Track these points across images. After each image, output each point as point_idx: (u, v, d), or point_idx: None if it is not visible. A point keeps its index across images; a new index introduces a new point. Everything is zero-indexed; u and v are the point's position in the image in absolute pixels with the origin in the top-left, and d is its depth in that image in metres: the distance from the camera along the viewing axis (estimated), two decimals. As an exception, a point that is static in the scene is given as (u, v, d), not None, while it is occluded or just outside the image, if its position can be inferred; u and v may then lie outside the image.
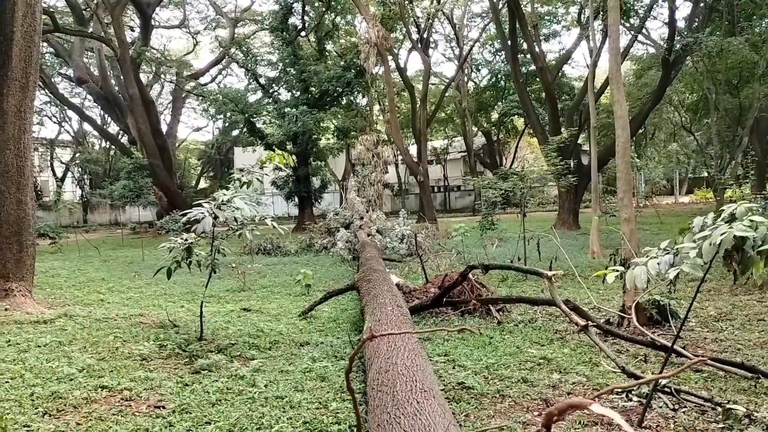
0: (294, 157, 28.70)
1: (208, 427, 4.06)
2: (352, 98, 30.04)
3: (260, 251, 17.24)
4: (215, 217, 6.08)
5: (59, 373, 5.17)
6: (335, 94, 28.19)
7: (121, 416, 4.27)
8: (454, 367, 5.45)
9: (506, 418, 4.23)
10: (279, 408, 4.40)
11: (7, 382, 4.95)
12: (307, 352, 6.10)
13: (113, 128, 39.51)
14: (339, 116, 31.37)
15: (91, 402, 4.55)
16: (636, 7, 20.63)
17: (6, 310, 7.85)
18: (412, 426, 3.06)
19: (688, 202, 37.76)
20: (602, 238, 14.12)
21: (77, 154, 44.75)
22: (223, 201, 6.15)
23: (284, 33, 27.98)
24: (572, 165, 19.99)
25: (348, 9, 29.24)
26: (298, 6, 28.37)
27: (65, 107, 37.84)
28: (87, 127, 42.93)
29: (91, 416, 4.26)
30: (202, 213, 6.00)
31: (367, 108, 30.51)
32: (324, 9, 29.08)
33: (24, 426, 4.03)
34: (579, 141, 24.97)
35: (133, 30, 33.21)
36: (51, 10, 23.91)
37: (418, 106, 28.52)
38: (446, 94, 38.21)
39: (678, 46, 19.12)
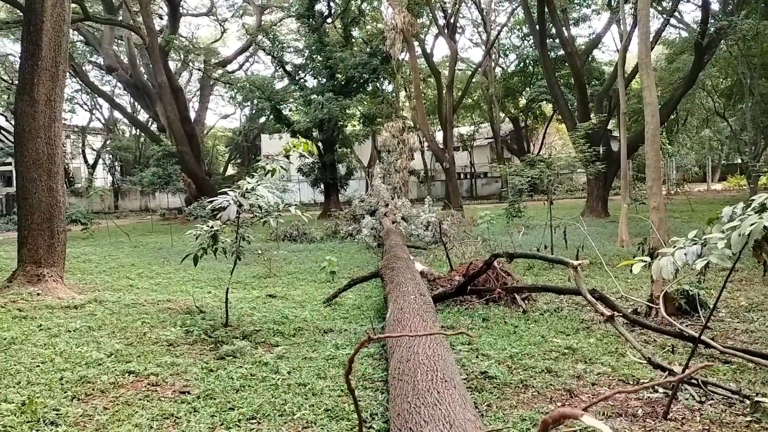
0: (319, 144, 28.84)
1: (231, 413, 4.11)
2: (377, 85, 30.00)
3: (286, 238, 17.35)
4: (240, 205, 6.12)
5: (88, 357, 5.29)
6: (361, 81, 28.14)
7: (147, 401, 4.35)
8: (477, 356, 5.43)
9: (529, 408, 4.20)
10: (301, 395, 4.44)
11: (37, 366, 5.08)
12: (330, 339, 6.13)
13: (143, 116, 40.04)
14: (365, 103, 31.29)
15: (118, 387, 4.64)
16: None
17: (38, 295, 8.04)
18: (432, 416, 3.06)
19: (721, 189, 36.95)
20: (631, 226, 13.90)
21: (108, 142, 45.47)
22: (247, 189, 6.18)
23: (310, 20, 27.96)
24: (601, 152, 19.68)
25: (374, -6, 29.11)
26: (324, -8, 28.33)
27: (96, 95, 38.41)
28: (117, 114, 43.59)
29: (118, 401, 4.35)
30: (227, 201, 6.05)
31: (393, 94, 30.43)
32: (350, -5, 28.98)
33: (53, 409, 4.13)
34: (609, 127, 24.57)
35: (161, 18, 33.51)
36: (81, -2, 24.19)
37: (444, 92, 28.29)
38: (473, 80, 37.86)
39: (712, 29, 18.61)
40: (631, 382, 4.72)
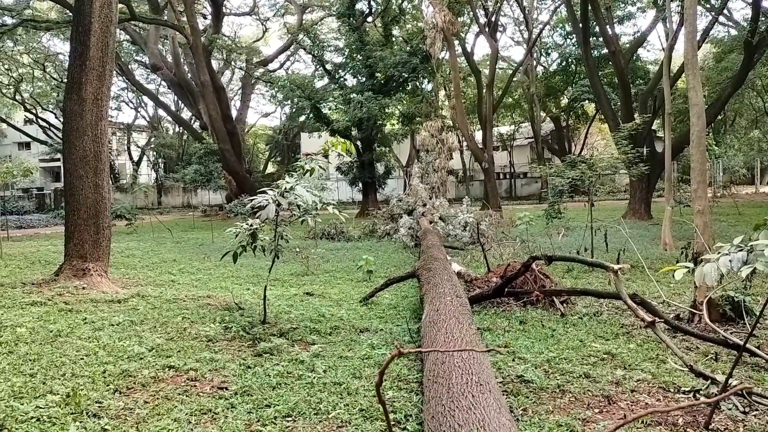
0: (358, 143, 28.96)
1: (267, 410, 4.16)
2: (417, 84, 29.95)
3: (324, 236, 17.48)
4: (278, 204, 6.19)
5: (130, 351, 5.42)
6: (400, 80, 28.16)
7: (186, 396, 4.43)
8: (513, 360, 5.37)
9: (566, 414, 4.14)
10: (336, 394, 4.46)
11: (82, 359, 5.23)
12: (366, 339, 6.15)
13: (186, 114, 40.84)
14: (404, 102, 31.32)
15: (158, 381, 4.74)
16: (717, -13, 19.58)
17: (83, 289, 8.28)
18: (466, 420, 3.04)
19: (770, 192, 35.80)
20: (675, 229, 13.57)
21: (152, 139, 46.55)
22: (286, 189, 6.25)
23: (351, 18, 28.09)
24: (645, 153, 19.25)
25: (415, -7, 29.08)
26: (365, -9, 28.44)
27: (141, 93, 39.34)
28: (161, 112, 44.60)
29: (159, 395, 4.44)
30: (266, 200, 6.12)
31: (433, 94, 30.33)
32: (391, -6, 29.02)
33: (96, 402, 4.24)
34: (653, 128, 24.04)
35: (205, 17, 34.10)
36: (128, -1, 24.79)
37: (484, 91, 28.08)
38: (514, 79, 37.48)
39: (762, 27, 18.01)
40: (672, 390, 4.61)
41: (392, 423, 3.95)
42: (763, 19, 18.57)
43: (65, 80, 10.71)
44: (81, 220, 8.96)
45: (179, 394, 4.46)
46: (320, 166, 7.06)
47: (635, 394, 4.54)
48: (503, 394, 4.39)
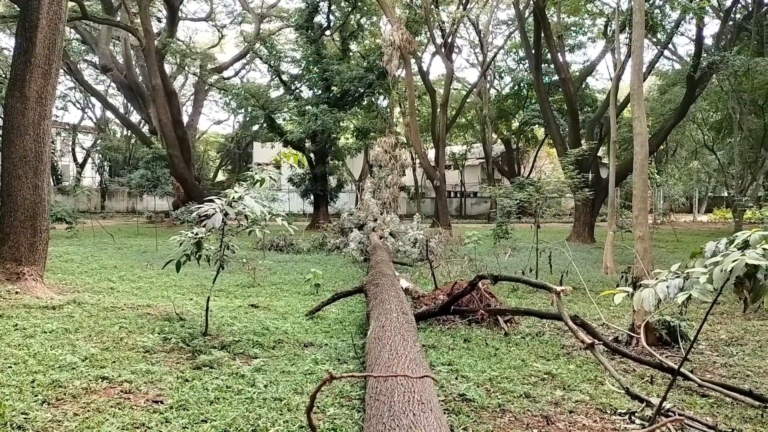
0: (311, 155, 28.85)
1: (204, 425, 4.04)
2: (372, 99, 30.07)
3: (272, 247, 17.29)
4: (226, 214, 6.07)
5: (62, 361, 5.20)
6: (356, 95, 28.23)
7: (119, 409, 4.27)
8: (456, 378, 5.40)
9: (505, 434, 4.17)
10: (276, 410, 4.38)
11: (9, 367, 4.98)
12: (310, 354, 6.07)
13: (135, 117, 39.87)
14: (359, 117, 31.38)
15: (90, 392, 4.56)
16: (663, 23, 20.41)
17: (17, 293, 7.93)
18: (406, 439, 3.02)
19: (707, 221, 37.29)
20: (617, 254, 13.96)
21: (98, 141, 45.24)
22: (234, 198, 6.15)
23: (309, 31, 28.09)
24: (590, 178, 19.80)
25: (374, 10, 29.28)
26: (324, 5, 28.48)
27: (89, 94, 38.24)
28: (109, 114, 43.37)
29: (89, 407, 4.26)
30: (213, 209, 6.01)
31: (388, 110, 30.53)
32: (350, 9, 29.15)
33: (22, 413, 4.03)
34: (599, 154, 24.76)
35: (159, 21, 33.50)
36: (80, -3, 24.14)
37: (438, 110, 28.45)
38: (467, 100, 38.11)
39: (704, 63, 18.87)
40: (608, 412, 4.70)
41: (332, 440, 3.91)
42: (704, 55, 19.45)
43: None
44: (17, 221, 8.59)
45: (111, 407, 4.29)
46: (271, 177, 6.98)
47: (573, 415, 4.61)
48: (445, 413, 4.39)
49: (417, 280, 11.46)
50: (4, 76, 33.32)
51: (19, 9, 10.00)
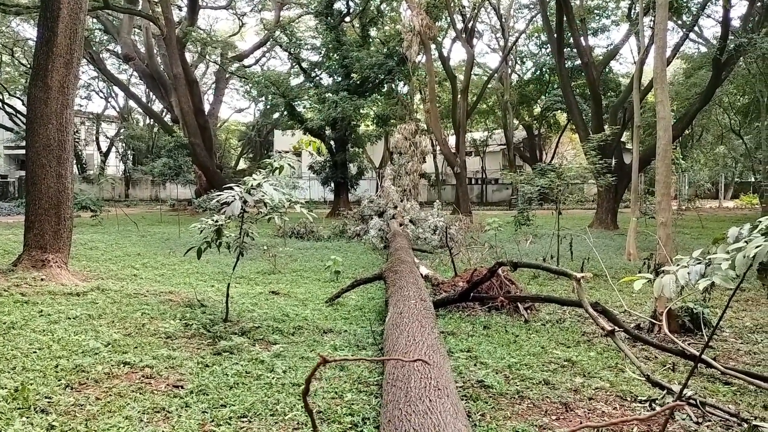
0: (332, 142, 28.87)
1: (223, 410, 4.09)
2: (392, 86, 29.97)
3: (293, 235, 17.37)
4: (245, 202, 6.10)
5: (85, 346, 5.29)
6: (376, 81, 28.13)
7: (140, 393, 4.34)
8: (475, 364, 5.38)
9: (523, 420, 4.15)
10: (295, 395, 4.41)
11: (34, 352, 5.09)
12: (329, 340, 6.10)
13: (157, 106, 40.21)
14: (379, 103, 31.29)
15: (112, 377, 4.63)
16: (689, 5, 19.96)
17: (42, 280, 8.07)
18: (422, 424, 3.03)
19: (733, 207, 36.64)
20: (640, 240, 13.79)
21: (122, 130, 45.73)
22: (252, 186, 6.17)
23: (329, 18, 27.97)
24: (613, 164, 19.54)
25: (394, -4, 29.10)
26: (344, -9, 28.35)
27: (112, 83, 38.63)
28: (132, 103, 43.83)
29: (111, 392, 4.34)
30: (232, 197, 6.03)
31: (408, 96, 30.36)
32: (370, -5, 28.97)
33: (45, 397, 4.12)
34: (622, 139, 24.41)
35: (180, 9, 33.60)
36: (102, -13, 24.32)
37: (459, 96, 28.24)
38: (488, 86, 37.75)
39: (731, 46, 18.43)
40: (629, 399, 4.66)
41: (350, 426, 3.93)
42: (731, 37, 19.00)
43: (32, 66, 10.43)
44: (42, 209, 8.74)
45: (133, 392, 4.36)
46: (290, 165, 6.98)
47: (593, 402, 4.58)
48: (463, 399, 4.39)
49: (437, 267, 11.43)
50: (28, 66, 33.84)
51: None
